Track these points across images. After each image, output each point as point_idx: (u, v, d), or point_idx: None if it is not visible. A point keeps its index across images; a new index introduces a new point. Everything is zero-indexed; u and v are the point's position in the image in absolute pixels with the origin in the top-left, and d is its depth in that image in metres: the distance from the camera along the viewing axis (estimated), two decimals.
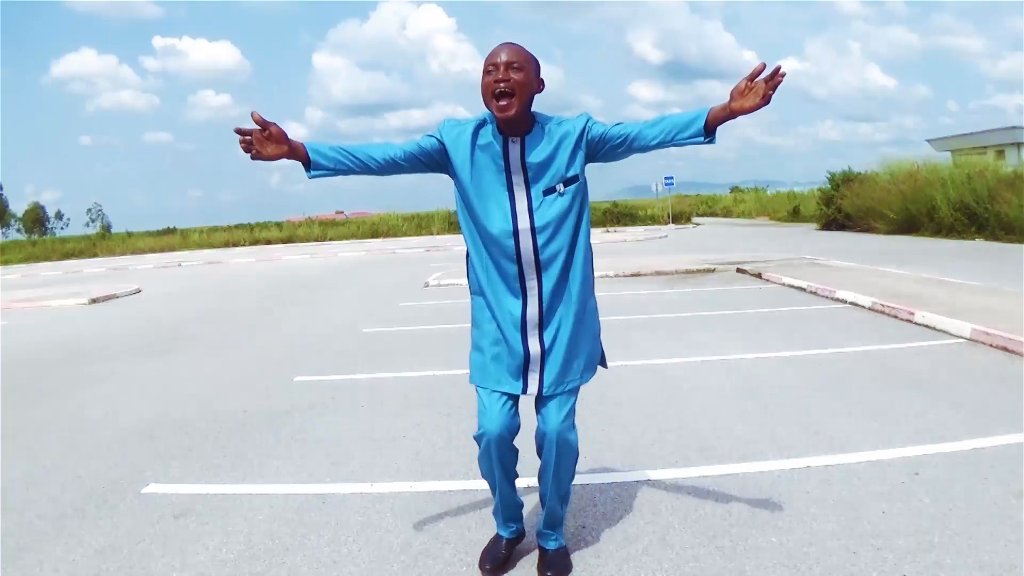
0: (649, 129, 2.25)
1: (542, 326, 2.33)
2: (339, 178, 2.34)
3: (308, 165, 2.23)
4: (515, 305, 2.32)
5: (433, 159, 2.31)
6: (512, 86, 2.16)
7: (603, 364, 2.54)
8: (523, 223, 2.27)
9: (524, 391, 2.34)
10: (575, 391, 2.39)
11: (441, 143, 2.29)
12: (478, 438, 2.38)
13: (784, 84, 2.08)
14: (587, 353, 2.41)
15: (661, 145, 2.25)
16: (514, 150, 2.26)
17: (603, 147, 2.30)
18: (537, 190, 2.27)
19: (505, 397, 2.35)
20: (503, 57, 2.19)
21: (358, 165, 2.27)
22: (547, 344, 2.33)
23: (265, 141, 2.16)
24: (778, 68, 2.05)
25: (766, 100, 2.07)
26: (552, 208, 2.28)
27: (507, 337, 2.33)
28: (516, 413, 2.38)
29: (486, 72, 2.21)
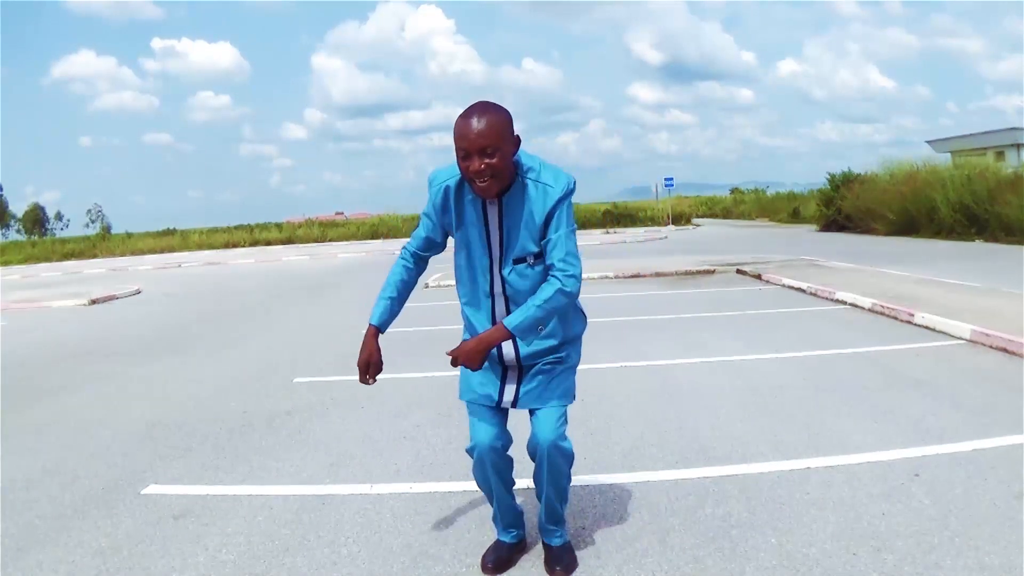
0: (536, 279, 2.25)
1: (520, 372, 2.36)
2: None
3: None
4: (492, 354, 2.33)
5: (442, 231, 2.35)
6: (491, 170, 2.08)
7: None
8: (497, 287, 2.29)
9: (499, 403, 2.36)
10: (567, 395, 2.40)
11: (433, 220, 2.32)
12: (470, 451, 2.41)
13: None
14: (564, 384, 2.39)
15: None
16: (492, 211, 2.22)
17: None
18: (508, 258, 2.24)
19: (493, 411, 2.38)
20: (475, 141, 2.06)
21: (409, 291, 2.43)
22: (522, 387, 2.35)
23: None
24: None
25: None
26: (522, 279, 2.25)
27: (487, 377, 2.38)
28: (505, 427, 2.42)
29: (458, 150, 2.10)
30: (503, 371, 2.38)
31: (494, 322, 2.30)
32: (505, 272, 2.25)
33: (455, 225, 2.29)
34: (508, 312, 2.27)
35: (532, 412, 2.39)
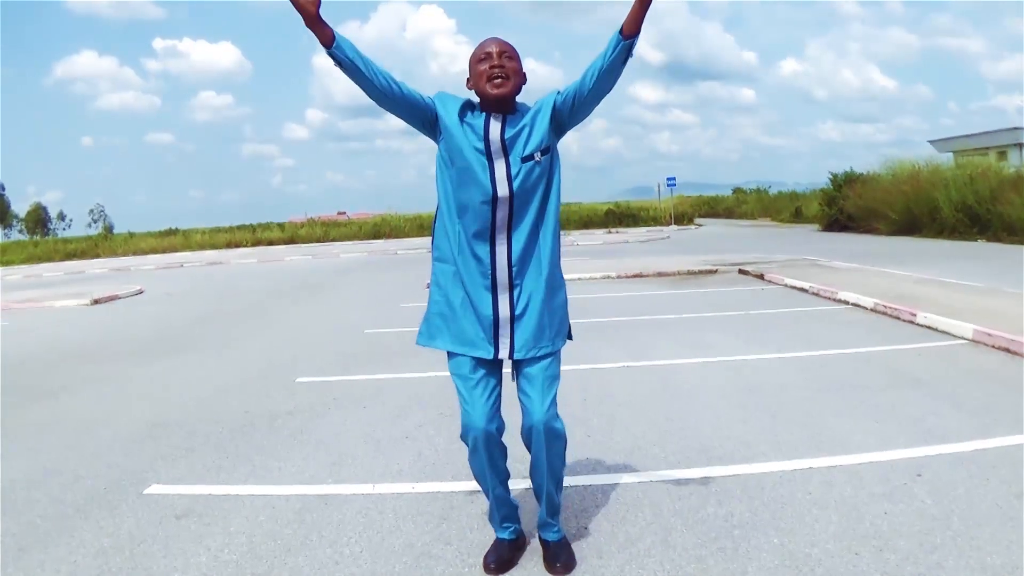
0: (585, 71, 2.35)
1: (511, 290, 2.37)
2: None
3: (330, 44, 2.23)
4: (485, 269, 2.36)
5: (425, 115, 2.38)
6: (507, 71, 2.34)
7: (569, 336, 2.56)
8: (502, 191, 2.33)
9: (495, 355, 2.38)
10: (556, 377, 2.43)
11: (434, 108, 2.38)
12: (464, 437, 2.41)
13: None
14: (558, 319, 2.46)
15: (600, 75, 2.31)
16: (495, 125, 2.36)
17: (569, 108, 2.39)
18: (515, 158, 2.35)
19: (487, 392, 2.38)
20: (495, 48, 2.37)
21: (367, 71, 2.27)
22: (518, 308, 2.38)
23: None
24: None
25: None
26: (530, 176, 2.36)
27: (476, 301, 2.37)
28: (499, 409, 2.42)
29: (478, 61, 2.37)
30: (495, 323, 2.37)
31: (494, 230, 2.35)
32: (514, 171, 2.34)
33: (449, 128, 2.34)
34: (510, 217, 2.34)
35: (523, 395, 2.40)
